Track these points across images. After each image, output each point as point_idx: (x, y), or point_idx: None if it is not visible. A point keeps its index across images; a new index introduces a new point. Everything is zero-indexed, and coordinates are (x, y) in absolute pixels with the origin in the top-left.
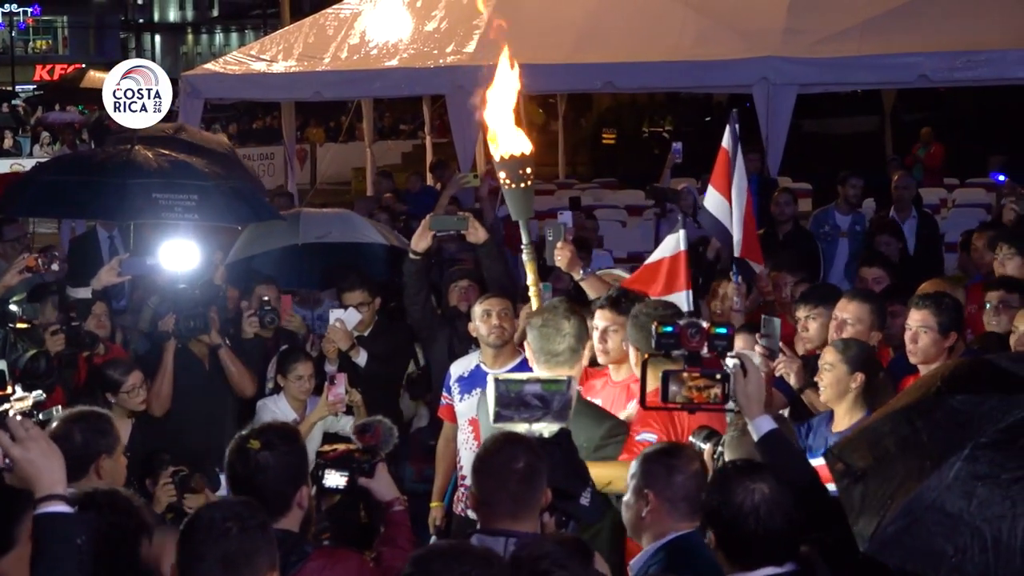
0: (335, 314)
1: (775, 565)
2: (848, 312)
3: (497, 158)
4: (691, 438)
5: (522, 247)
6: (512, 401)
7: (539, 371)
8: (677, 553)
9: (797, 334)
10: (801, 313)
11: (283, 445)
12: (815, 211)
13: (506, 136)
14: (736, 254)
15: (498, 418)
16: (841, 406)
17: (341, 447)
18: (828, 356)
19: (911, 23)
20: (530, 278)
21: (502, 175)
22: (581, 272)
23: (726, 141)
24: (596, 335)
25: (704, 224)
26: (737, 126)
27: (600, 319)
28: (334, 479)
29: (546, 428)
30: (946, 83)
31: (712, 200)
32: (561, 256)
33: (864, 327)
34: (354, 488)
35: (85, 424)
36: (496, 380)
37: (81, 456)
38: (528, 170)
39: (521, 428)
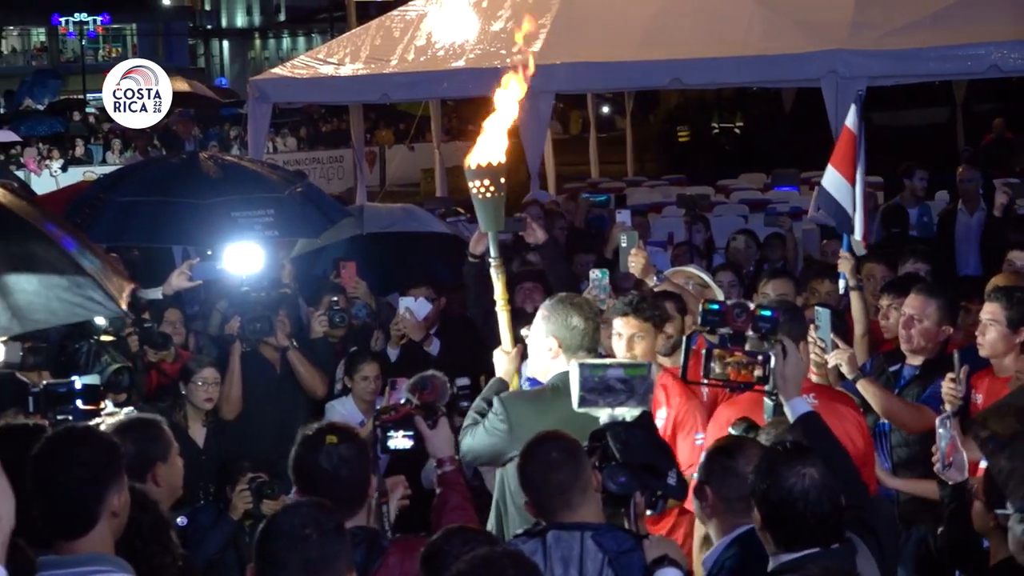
0: (404, 302)
1: (820, 546)
2: (913, 307)
3: (473, 166)
4: (731, 429)
5: (490, 260)
6: (596, 386)
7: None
8: (749, 546)
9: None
10: (883, 302)
11: (354, 438)
12: (882, 206)
13: (484, 145)
14: (859, 237)
15: (583, 402)
16: None
17: (402, 408)
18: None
19: (980, 13)
20: (498, 290)
21: (475, 183)
22: (655, 278)
23: (850, 121)
24: (621, 343)
25: (822, 205)
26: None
27: (624, 327)
28: (399, 441)
29: (628, 412)
30: (1017, 73)
31: (832, 180)
32: (635, 263)
33: (932, 323)
34: (419, 449)
35: (136, 433)
36: (580, 365)
37: (136, 465)
38: (501, 180)
39: (604, 412)
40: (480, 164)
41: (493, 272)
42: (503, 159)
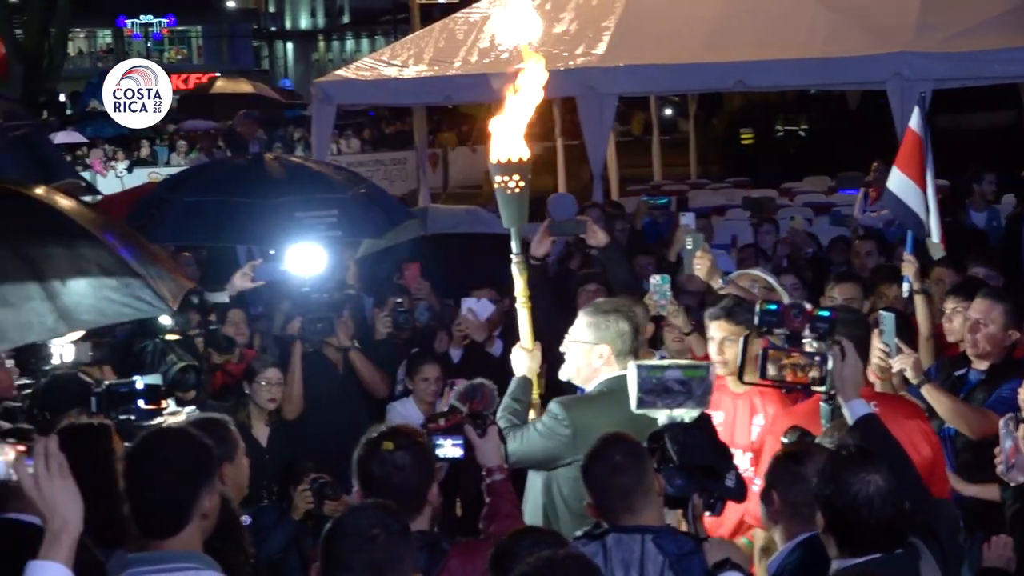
0: (467, 303)
1: (883, 551)
2: (979, 311)
3: (504, 160)
4: (783, 438)
5: (512, 256)
6: (654, 387)
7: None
8: (812, 551)
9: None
10: (948, 306)
11: (415, 444)
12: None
13: (506, 141)
14: (935, 239)
15: (641, 404)
16: None
17: (452, 417)
18: None
19: None
20: (519, 287)
21: (502, 179)
22: (720, 281)
23: (914, 123)
24: (713, 346)
25: (889, 207)
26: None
27: (717, 330)
28: (449, 450)
29: (687, 413)
30: None
31: (897, 182)
32: (700, 265)
33: (997, 327)
34: (470, 457)
35: (204, 433)
36: (639, 367)
37: None
38: (528, 176)
39: (663, 414)
40: (511, 159)
41: (515, 268)
42: (529, 154)
